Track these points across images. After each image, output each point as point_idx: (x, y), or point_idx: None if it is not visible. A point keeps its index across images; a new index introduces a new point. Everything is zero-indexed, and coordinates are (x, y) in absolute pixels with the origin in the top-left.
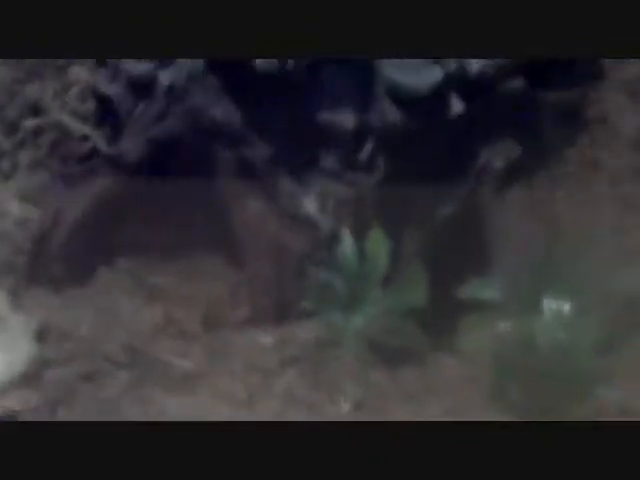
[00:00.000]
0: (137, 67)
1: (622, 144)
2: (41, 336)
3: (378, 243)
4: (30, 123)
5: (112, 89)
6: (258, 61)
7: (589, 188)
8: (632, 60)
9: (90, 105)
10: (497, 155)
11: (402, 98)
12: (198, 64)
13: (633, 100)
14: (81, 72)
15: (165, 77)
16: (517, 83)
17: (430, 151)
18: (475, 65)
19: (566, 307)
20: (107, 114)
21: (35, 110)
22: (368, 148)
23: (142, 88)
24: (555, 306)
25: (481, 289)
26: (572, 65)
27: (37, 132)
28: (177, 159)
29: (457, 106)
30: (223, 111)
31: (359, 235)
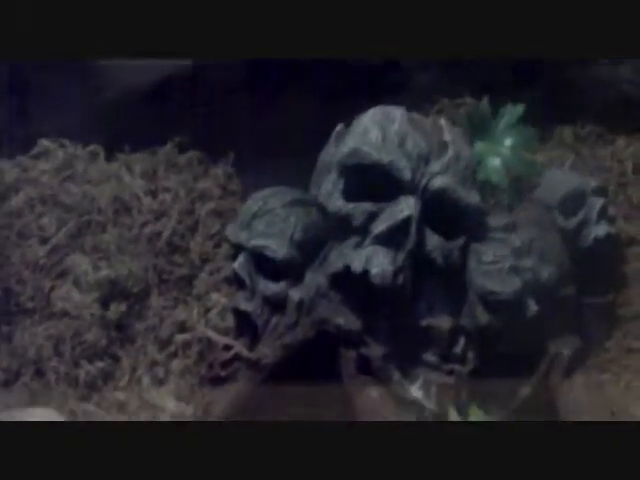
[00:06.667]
0: (270, 287)
1: None
2: None
3: (478, 418)
4: (180, 338)
5: (249, 306)
6: (373, 273)
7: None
8: None
9: (230, 320)
10: (564, 346)
11: (491, 303)
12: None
13: None
14: (220, 298)
15: (295, 294)
16: (570, 290)
17: (511, 346)
18: (544, 273)
19: None
20: (246, 326)
21: (183, 328)
22: (461, 344)
23: (275, 305)
24: None
25: None
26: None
27: (185, 345)
28: (306, 361)
29: (532, 308)
30: (345, 320)
31: (461, 413)
